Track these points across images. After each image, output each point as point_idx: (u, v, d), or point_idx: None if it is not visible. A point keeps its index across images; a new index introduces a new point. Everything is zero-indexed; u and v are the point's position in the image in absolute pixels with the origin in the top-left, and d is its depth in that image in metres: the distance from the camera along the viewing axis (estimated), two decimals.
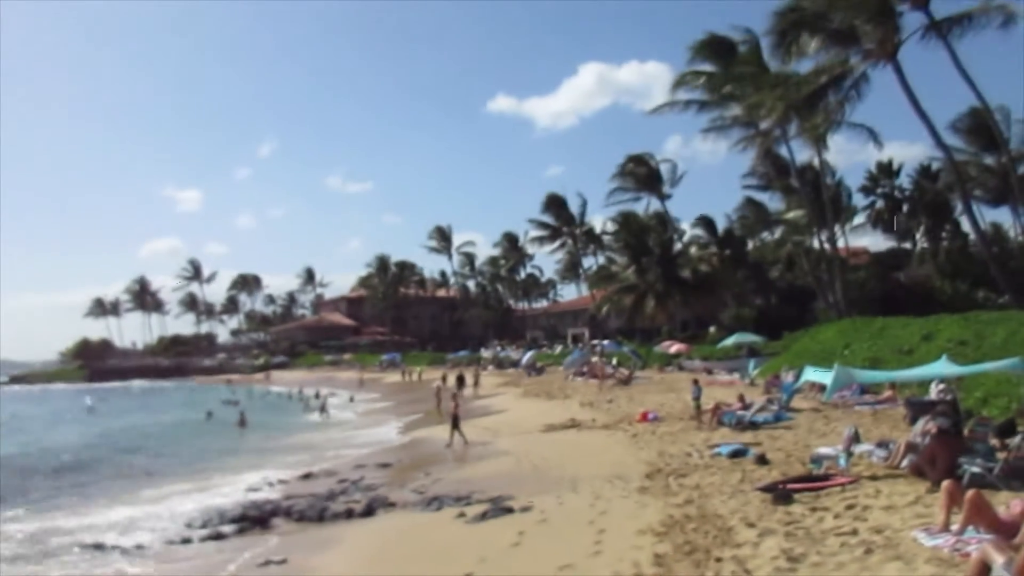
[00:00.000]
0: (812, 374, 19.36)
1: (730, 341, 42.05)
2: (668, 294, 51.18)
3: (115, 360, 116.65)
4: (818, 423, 17.54)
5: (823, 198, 42.23)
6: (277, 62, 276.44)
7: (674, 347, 45.51)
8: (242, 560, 10.77)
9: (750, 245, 57.80)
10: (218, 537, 12.44)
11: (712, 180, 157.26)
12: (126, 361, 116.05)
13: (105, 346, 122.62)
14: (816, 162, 44.02)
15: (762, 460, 12.85)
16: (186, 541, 12.17)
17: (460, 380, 41.09)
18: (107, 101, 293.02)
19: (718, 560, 7.36)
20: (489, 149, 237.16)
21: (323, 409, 37.79)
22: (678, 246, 56.51)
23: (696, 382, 21.77)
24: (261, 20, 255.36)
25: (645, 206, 57.23)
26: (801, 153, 43.87)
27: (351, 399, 47.71)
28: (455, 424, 21.60)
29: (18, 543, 12.75)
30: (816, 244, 48.16)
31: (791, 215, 48.88)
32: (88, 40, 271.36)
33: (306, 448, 24.67)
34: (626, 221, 55.39)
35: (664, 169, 56.98)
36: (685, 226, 60.70)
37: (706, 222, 59.38)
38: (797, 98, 33.40)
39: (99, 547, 11.96)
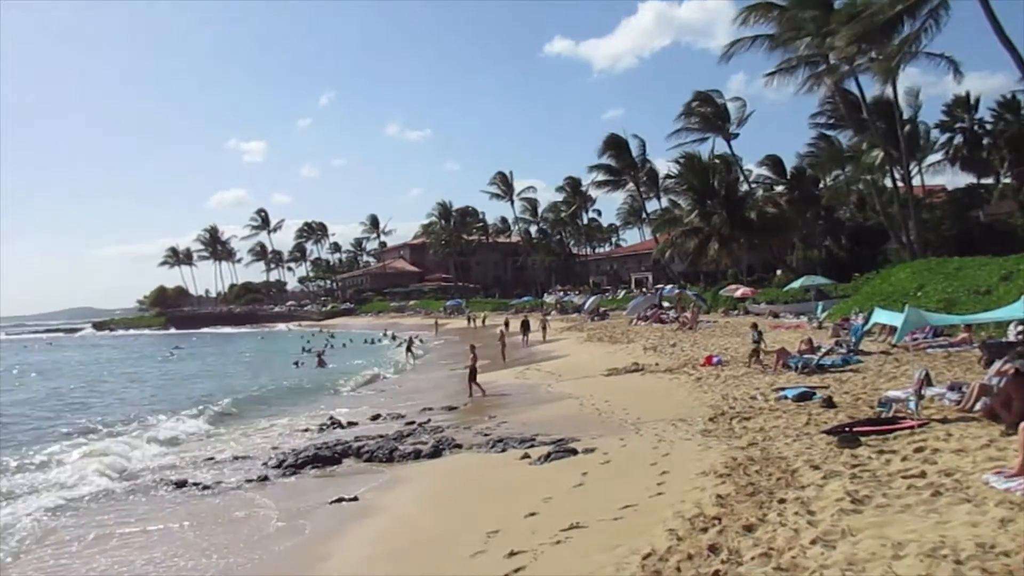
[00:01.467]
0: (882, 316, 18.86)
1: (797, 284, 41.24)
2: (733, 237, 50.23)
3: (190, 307, 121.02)
4: (888, 366, 17.21)
5: (898, 134, 40.57)
6: (333, 13, 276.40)
7: (739, 291, 44.86)
8: (315, 497, 11.23)
9: (820, 185, 56.09)
10: (292, 475, 12.98)
11: (778, 120, 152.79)
12: (200, 308, 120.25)
13: (181, 294, 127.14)
14: (890, 96, 42.19)
15: (829, 403, 12.72)
16: (262, 479, 12.72)
17: (524, 325, 41.12)
18: (175, 58, 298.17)
19: (781, 501, 7.39)
20: (546, 93, 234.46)
21: (409, 350, 38.63)
22: (744, 187, 55.17)
23: (755, 326, 21.47)
24: None
25: (710, 147, 55.78)
26: (872, 88, 42.07)
27: (420, 341, 48.67)
28: (472, 377, 21.31)
29: (111, 470, 13.56)
30: (889, 183, 46.45)
31: (865, 154, 47.09)
32: (159, 3, 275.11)
33: (380, 390, 25.32)
34: (690, 162, 54.13)
35: (731, 108, 55.29)
36: (751, 167, 59.32)
37: (774, 162, 57.83)
38: (870, 28, 31.88)
39: (181, 485, 12.59)
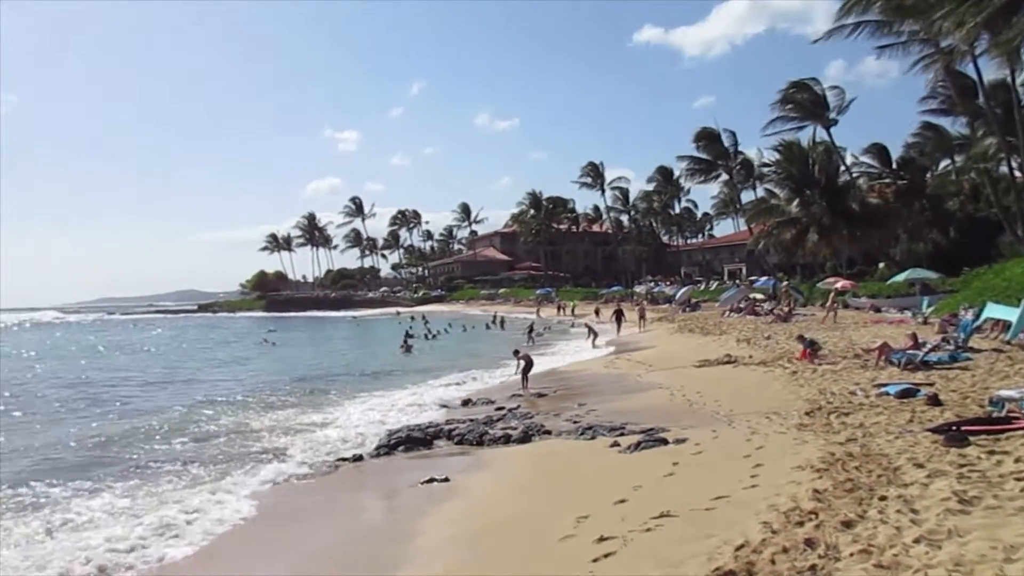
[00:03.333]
0: (996, 311, 17.96)
1: (901, 277, 39.55)
2: (833, 227, 48.39)
3: (288, 291, 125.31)
4: (1000, 364, 16.31)
5: (1016, 121, 38.19)
6: (424, 3, 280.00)
7: (839, 283, 43.34)
8: (408, 477, 11.51)
9: (928, 175, 53.44)
10: (386, 455, 13.33)
11: (880, 107, 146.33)
12: (298, 292, 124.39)
13: (280, 278, 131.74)
14: (1008, 80, 39.70)
15: (934, 401, 12.18)
16: (357, 458, 13.11)
17: (618, 315, 40.82)
18: (275, 53, 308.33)
19: (882, 499, 7.13)
20: (636, 83, 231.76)
21: (529, 335, 38.89)
22: (845, 177, 53.09)
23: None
24: None
25: (810, 136, 53.85)
26: (989, 72, 39.65)
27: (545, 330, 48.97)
28: (526, 370, 20.92)
29: (219, 445, 14.24)
30: (1006, 171, 43.82)
31: (979, 142, 44.52)
32: None
33: (472, 375, 25.62)
34: (788, 151, 52.38)
35: (831, 96, 53.23)
36: (852, 156, 56.96)
37: (878, 150, 55.39)
38: (990, 8, 30.06)
39: (270, 461, 13.02)
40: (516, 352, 22.29)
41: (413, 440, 14.07)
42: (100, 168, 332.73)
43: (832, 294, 36.29)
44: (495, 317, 53.18)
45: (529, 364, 21.37)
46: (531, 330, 39.91)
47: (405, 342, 37.74)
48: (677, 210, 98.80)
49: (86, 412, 20.02)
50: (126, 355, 42.13)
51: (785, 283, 45.61)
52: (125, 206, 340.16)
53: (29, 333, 74.34)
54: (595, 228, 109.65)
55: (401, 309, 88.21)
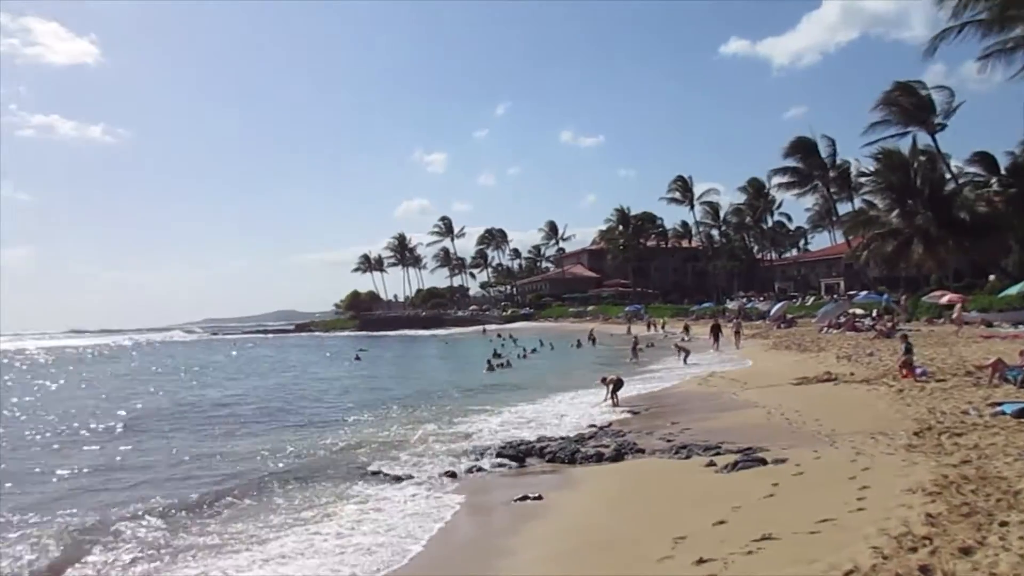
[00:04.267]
0: None
1: (1015, 290, 37.45)
2: (939, 239, 46.24)
3: (380, 311, 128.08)
4: None
5: None
6: (504, 22, 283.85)
7: (945, 297, 41.36)
8: (501, 494, 11.54)
9: None
10: (480, 471, 13.42)
11: (983, 114, 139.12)
12: (390, 312, 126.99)
13: (372, 298, 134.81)
14: None
15: None
16: (451, 475, 13.22)
17: (715, 330, 40.09)
18: (367, 79, 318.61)
19: (1003, 524, 6.74)
20: (722, 95, 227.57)
21: (634, 351, 38.58)
22: (950, 185, 50.69)
23: (905, 338, 20.43)
24: None
25: (911, 143, 51.70)
26: None
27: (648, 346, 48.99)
28: (615, 389, 21.05)
29: (295, 457, 14.64)
30: None
31: None
32: (348, 26, 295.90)
33: (565, 394, 25.57)
34: (889, 159, 50.38)
35: (937, 99, 50.96)
36: (958, 165, 54.38)
37: (984, 157, 52.71)
38: None
39: (375, 474, 13.37)
40: (603, 379, 22.10)
41: (506, 456, 14.14)
42: (202, 194, 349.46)
43: (959, 307, 34.40)
44: (590, 334, 52.87)
45: (619, 384, 21.33)
46: (635, 346, 39.54)
47: (490, 362, 37.96)
48: (770, 224, 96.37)
49: (270, 423, 21.34)
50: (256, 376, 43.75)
51: (904, 296, 43.70)
52: (226, 230, 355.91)
53: (148, 356, 78.28)
54: (684, 244, 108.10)
55: (488, 327, 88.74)
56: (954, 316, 32.80)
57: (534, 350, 48.77)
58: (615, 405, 20.60)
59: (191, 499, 12.12)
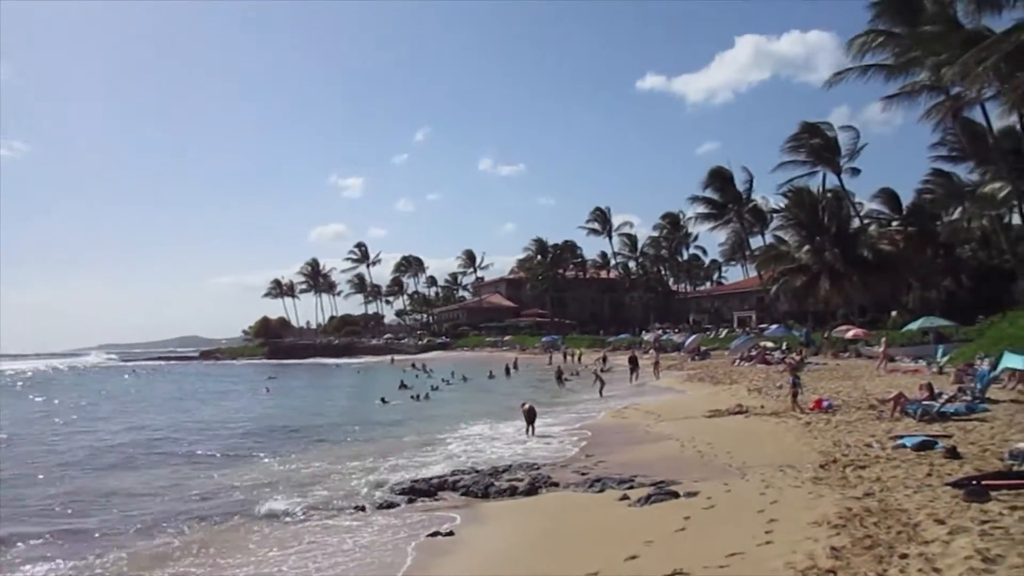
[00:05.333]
0: (1015, 361, 17.81)
1: (915, 326, 39.40)
2: (845, 275, 48.41)
3: (291, 338, 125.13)
4: (1020, 415, 16.13)
5: None
6: (428, 48, 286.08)
7: (851, 332, 43.22)
8: (411, 530, 11.37)
9: (939, 222, 53.49)
10: (389, 507, 13.18)
11: (887, 153, 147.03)
12: (301, 339, 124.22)
13: (283, 324, 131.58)
14: (1019, 127, 40.08)
15: (953, 454, 12.03)
16: (360, 508, 12.97)
17: (633, 362, 40.92)
18: (280, 100, 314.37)
19: (903, 556, 7.00)
20: (640, 128, 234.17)
21: (560, 380, 39.35)
22: (856, 223, 53.27)
23: (795, 369, 21.52)
24: (408, 15, 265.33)
25: (820, 181, 54.19)
26: (998, 118, 40.04)
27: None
28: (530, 419, 21.64)
29: (197, 497, 14.10)
30: (1018, 219, 43.96)
31: (987, 188, 44.70)
32: (262, 38, 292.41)
33: (478, 427, 25.46)
34: (798, 196, 52.67)
35: (843, 139, 53.64)
36: (862, 201, 57.28)
37: (888, 196, 55.69)
38: (999, 55, 30.46)
39: (272, 516, 12.91)
40: (523, 405, 22.41)
41: (416, 491, 13.95)
42: (100, 214, 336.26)
43: (884, 341, 35.39)
44: (514, 363, 52.81)
45: (532, 413, 21.61)
46: (560, 375, 40.13)
47: (404, 384, 37.47)
48: (685, 256, 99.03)
49: (166, 460, 20.20)
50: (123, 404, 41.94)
51: (826, 333, 45.36)
52: (124, 252, 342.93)
53: (50, 384, 74.25)
54: (602, 275, 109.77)
55: (397, 357, 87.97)
56: (882, 350, 33.83)
57: (446, 381, 48.40)
58: (531, 434, 20.80)
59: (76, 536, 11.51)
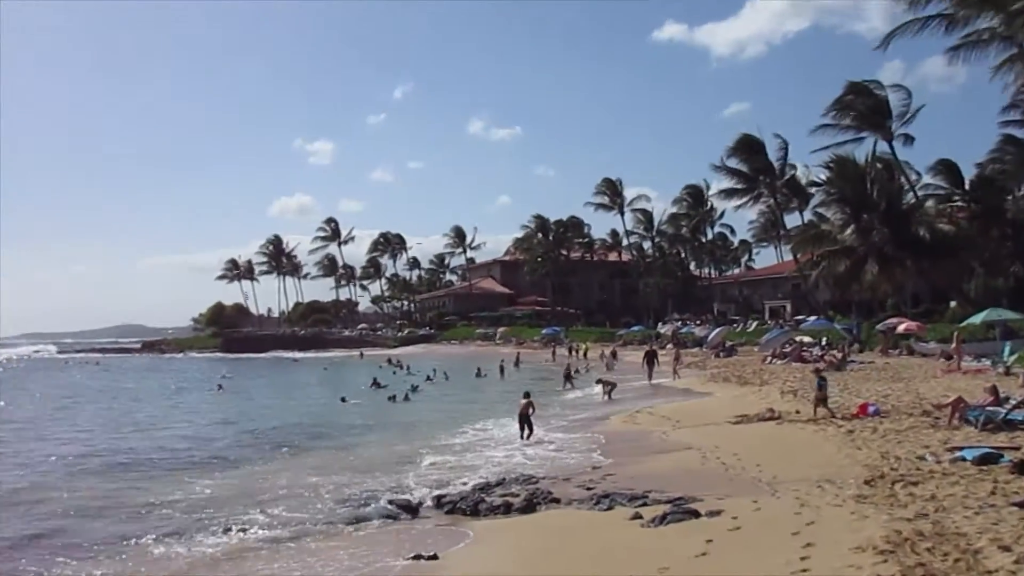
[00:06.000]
0: None
1: (978, 319, 39.39)
2: (896, 258, 48.43)
3: (250, 328, 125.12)
4: None
5: None
6: None
7: (902, 325, 43.30)
8: (390, 551, 11.39)
9: (1009, 198, 53.41)
10: (365, 522, 13.22)
11: (948, 117, 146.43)
12: (261, 329, 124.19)
13: (240, 312, 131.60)
14: None
15: (1022, 468, 12.05)
16: (327, 528, 12.99)
17: (649, 358, 40.52)
18: (234, 50, 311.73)
19: None
20: (655, 87, 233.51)
21: (569, 379, 39.62)
22: (910, 198, 53.24)
23: (818, 371, 21.55)
24: None
25: (868, 149, 54.02)
26: None
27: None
28: (525, 417, 22.16)
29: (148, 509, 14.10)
30: None
31: None
32: None
33: (468, 428, 25.54)
34: (842, 167, 52.55)
35: (894, 101, 53.43)
36: (918, 174, 57.17)
37: (948, 168, 55.59)
38: None
39: (243, 530, 13.04)
40: (525, 394, 22.89)
41: (397, 506, 14.01)
42: (31, 183, 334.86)
43: (958, 336, 34.86)
44: (502, 364, 52.74)
45: (526, 415, 22.08)
46: (569, 373, 40.27)
47: (344, 399, 37.48)
48: (709, 236, 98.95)
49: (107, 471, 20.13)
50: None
51: (877, 327, 45.14)
52: (58, 228, 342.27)
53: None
54: (612, 257, 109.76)
55: (370, 351, 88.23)
56: (953, 347, 33.34)
57: (429, 379, 48.56)
58: (526, 438, 21.38)
59: None
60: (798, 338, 46.88)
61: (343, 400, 36.53)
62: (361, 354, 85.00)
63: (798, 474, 13.63)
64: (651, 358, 40.79)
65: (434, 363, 58.82)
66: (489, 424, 26.30)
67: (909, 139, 53.79)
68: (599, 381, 36.07)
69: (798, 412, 21.87)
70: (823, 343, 45.20)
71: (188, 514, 14.46)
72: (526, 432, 21.74)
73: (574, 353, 64.33)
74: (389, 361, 66.15)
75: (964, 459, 13.31)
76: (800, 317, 62.78)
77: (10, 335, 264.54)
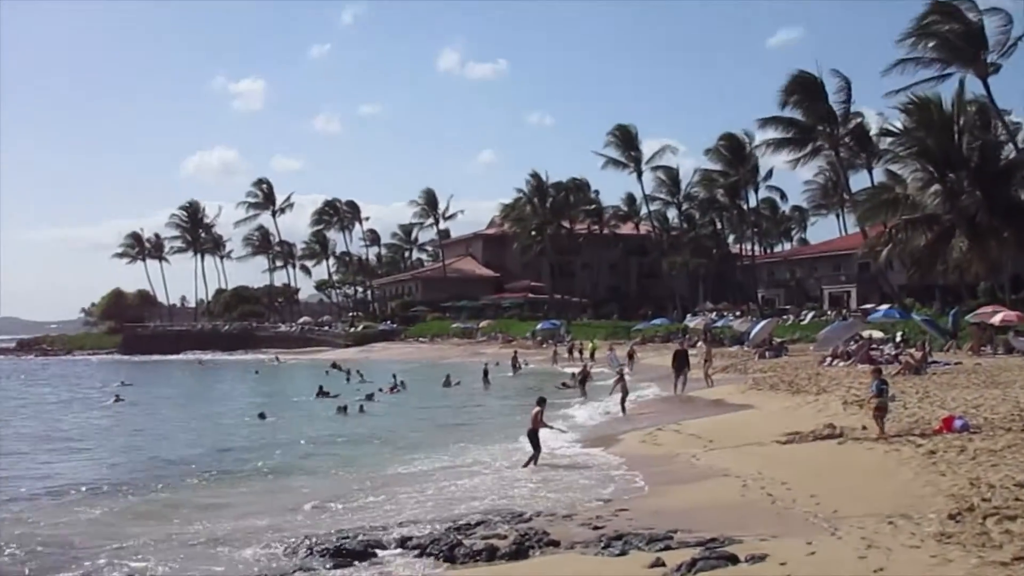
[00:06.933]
0: None
1: None
2: (991, 230, 48.63)
3: (157, 321, 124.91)
4: None
5: None
6: None
7: (999, 315, 43.50)
8: None
9: None
10: (310, 572, 13.25)
11: None
12: (173, 324, 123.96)
13: (144, 301, 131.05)
14: None
15: None
16: None
17: (679, 360, 39.40)
18: None
19: None
20: (680, 9, 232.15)
21: (582, 385, 40.99)
22: (1009, 152, 53.35)
23: (879, 372, 22.22)
24: None
25: (956, 89, 54.03)
26: None
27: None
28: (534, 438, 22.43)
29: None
30: None
31: None
32: None
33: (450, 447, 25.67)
34: (922, 113, 52.61)
35: (990, 26, 53.43)
36: (1020, 123, 57.29)
37: None
38: None
39: None
40: (539, 400, 23.18)
41: (347, 552, 14.00)
42: None
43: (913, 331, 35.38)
44: (486, 369, 52.84)
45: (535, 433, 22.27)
46: (584, 380, 40.73)
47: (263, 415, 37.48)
48: (752, 202, 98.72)
49: None
50: None
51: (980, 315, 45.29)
52: None
53: None
54: (627, 229, 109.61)
55: (279, 356, 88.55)
56: (914, 352, 34.04)
57: (396, 388, 48.70)
58: (533, 462, 21.63)
59: None
60: (866, 333, 47.00)
61: (261, 417, 36.49)
62: (276, 358, 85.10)
63: (864, 507, 13.70)
64: (682, 362, 38.94)
65: (397, 367, 58.83)
66: (470, 445, 26.39)
67: (998, 70, 53.70)
68: (619, 374, 35.75)
69: (865, 428, 21.96)
70: (898, 339, 45.38)
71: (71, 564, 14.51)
72: (533, 454, 21.87)
73: (576, 353, 64.38)
74: (335, 366, 66.14)
75: None
76: (868, 306, 62.95)
77: None
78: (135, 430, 35.53)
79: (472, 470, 22.23)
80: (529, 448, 22.47)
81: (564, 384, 45.37)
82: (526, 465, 21.69)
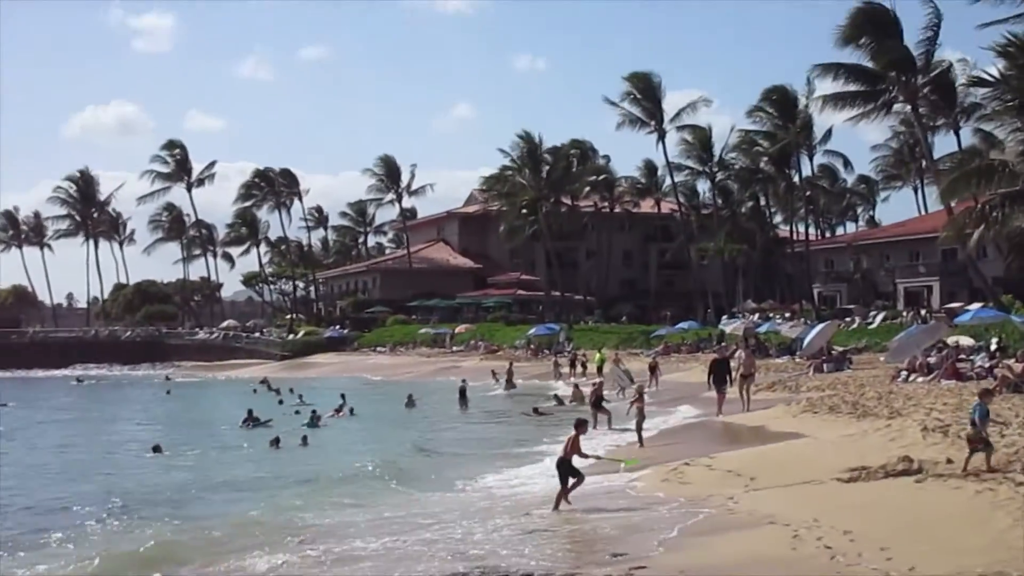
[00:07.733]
0: None
1: None
2: None
3: (37, 326, 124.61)
4: None
5: None
6: None
7: None
8: None
9: None
10: None
11: None
12: (57, 329, 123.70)
13: (20, 300, 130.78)
14: None
15: None
16: None
17: (719, 372, 38.87)
18: None
19: None
20: None
21: (600, 408, 40.00)
22: None
23: (986, 393, 22.34)
24: None
25: None
26: None
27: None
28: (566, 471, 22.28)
29: None
30: None
31: None
32: None
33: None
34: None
35: None
36: None
37: None
38: None
39: None
40: (577, 423, 23.29)
41: None
42: None
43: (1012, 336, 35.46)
44: (463, 388, 52.73)
45: (567, 464, 22.27)
46: (599, 402, 40.28)
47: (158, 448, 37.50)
48: (806, 172, 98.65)
49: None
50: None
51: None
52: None
53: None
54: (646, 207, 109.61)
55: (171, 373, 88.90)
56: (1012, 364, 34.01)
57: (344, 411, 48.77)
58: (561, 502, 21.64)
59: None
60: (951, 340, 47.12)
61: (156, 450, 36.54)
62: (167, 377, 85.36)
63: (950, 564, 13.74)
64: (722, 375, 39.07)
65: (346, 385, 58.92)
66: (442, 483, 26.42)
67: None
68: (638, 394, 35.51)
69: (951, 462, 22.02)
70: (992, 347, 45.44)
71: None
72: (566, 492, 21.83)
73: (580, 367, 64.40)
74: (265, 383, 66.22)
75: None
76: (955, 305, 63.17)
77: None
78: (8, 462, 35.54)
79: (434, 516, 22.21)
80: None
81: (536, 410, 45.51)
82: (556, 507, 21.63)
